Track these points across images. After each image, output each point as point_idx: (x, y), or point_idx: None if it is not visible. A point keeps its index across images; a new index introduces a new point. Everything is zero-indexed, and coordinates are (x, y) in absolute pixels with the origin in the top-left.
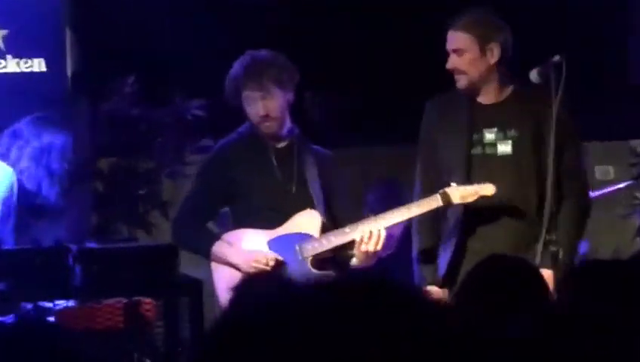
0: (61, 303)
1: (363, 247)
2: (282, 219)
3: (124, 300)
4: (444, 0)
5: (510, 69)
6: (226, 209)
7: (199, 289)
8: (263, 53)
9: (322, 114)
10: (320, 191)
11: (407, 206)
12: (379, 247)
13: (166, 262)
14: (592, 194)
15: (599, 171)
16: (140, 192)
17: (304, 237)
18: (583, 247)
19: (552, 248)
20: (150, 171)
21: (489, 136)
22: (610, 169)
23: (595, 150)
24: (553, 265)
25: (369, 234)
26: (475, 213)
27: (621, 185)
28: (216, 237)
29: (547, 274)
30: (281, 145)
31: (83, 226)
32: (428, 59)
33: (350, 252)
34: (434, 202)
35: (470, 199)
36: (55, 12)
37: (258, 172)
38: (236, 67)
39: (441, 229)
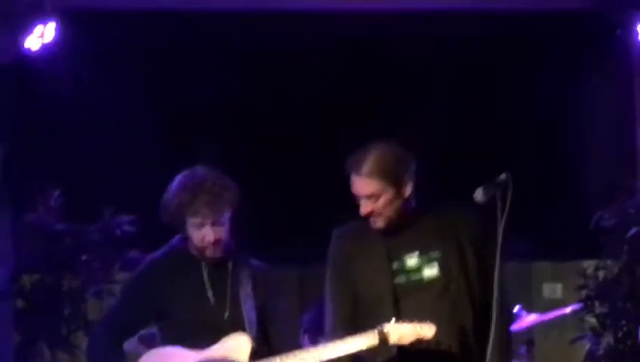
0: None
1: None
2: (211, 339)
3: None
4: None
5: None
6: (153, 329)
7: None
8: (202, 174)
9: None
10: (253, 312)
11: (342, 339)
12: None
13: None
14: (541, 317)
15: (547, 289)
16: (64, 312)
17: None
18: None
19: None
20: (75, 289)
21: (411, 261)
22: (559, 287)
23: (544, 271)
24: None
25: None
26: (411, 348)
27: (568, 310)
28: None
29: None
30: (216, 261)
31: (2, 347)
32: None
33: None
34: (370, 340)
35: (408, 340)
36: None
37: (188, 289)
38: (179, 193)
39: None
